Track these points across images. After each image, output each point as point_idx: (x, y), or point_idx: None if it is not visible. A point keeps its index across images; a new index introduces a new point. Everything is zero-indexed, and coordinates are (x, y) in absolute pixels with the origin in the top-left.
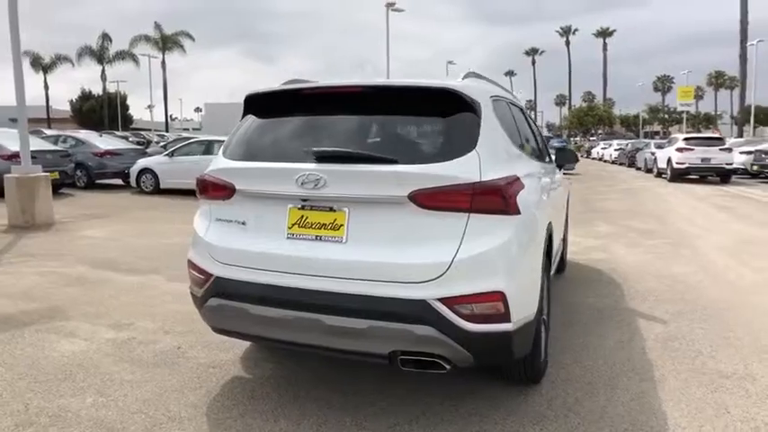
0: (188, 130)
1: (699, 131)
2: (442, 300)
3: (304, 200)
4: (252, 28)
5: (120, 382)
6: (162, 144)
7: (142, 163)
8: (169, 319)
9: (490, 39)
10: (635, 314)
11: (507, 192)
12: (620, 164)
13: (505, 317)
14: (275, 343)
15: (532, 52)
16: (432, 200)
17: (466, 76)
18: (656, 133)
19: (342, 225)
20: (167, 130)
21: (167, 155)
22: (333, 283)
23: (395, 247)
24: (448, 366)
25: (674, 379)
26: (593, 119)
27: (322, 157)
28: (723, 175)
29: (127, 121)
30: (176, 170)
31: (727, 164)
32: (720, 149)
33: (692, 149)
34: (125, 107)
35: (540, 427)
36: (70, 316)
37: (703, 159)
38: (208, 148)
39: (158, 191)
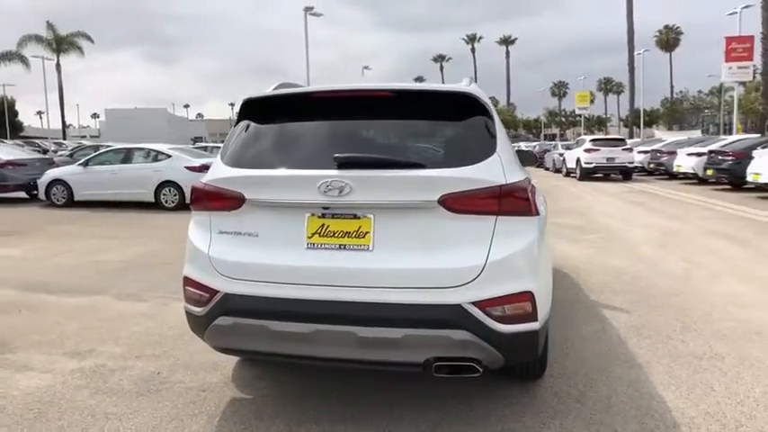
0: (86, 137)
1: (592, 133)
2: (475, 303)
3: (325, 208)
4: (153, 30)
5: (104, 417)
6: (68, 153)
7: (52, 174)
8: (135, 341)
9: (399, 45)
10: (598, 305)
11: (529, 193)
12: None
13: (533, 316)
14: (296, 360)
15: (440, 59)
16: (461, 204)
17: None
18: (555, 136)
19: (367, 232)
20: (65, 138)
21: (81, 164)
22: (362, 292)
23: (425, 253)
24: (480, 369)
25: (657, 364)
26: None
27: (344, 164)
28: (626, 173)
29: (16, 129)
30: (92, 181)
31: (629, 163)
32: (623, 149)
33: (599, 150)
34: (13, 113)
35: (558, 422)
36: (16, 347)
37: (608, 159)
38: (127, 156)
39: (72, 203)
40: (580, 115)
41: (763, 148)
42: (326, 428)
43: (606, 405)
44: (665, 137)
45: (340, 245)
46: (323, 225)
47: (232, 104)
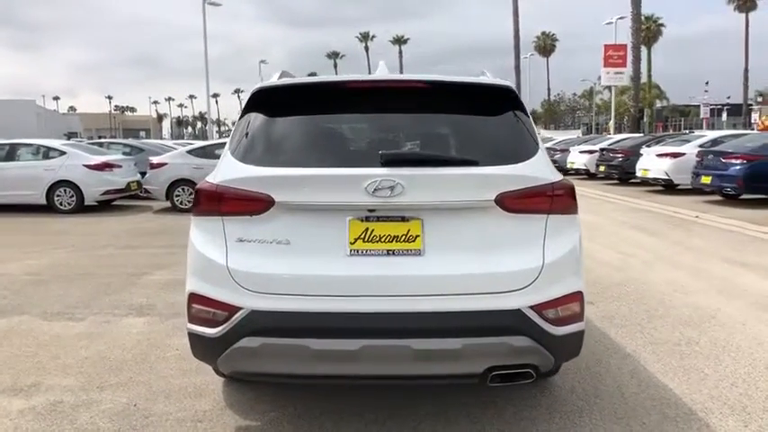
0: None
1: None
2: (533, 307)
3: (371, 210)
4: (14, 12)
5: None
6: None
7: None
8: (88, 369)
9: (291, 40)
10: None
11: (574, 191)
12: None
13: (581, 316)
14: (338, 380)
15: (334, 55)
16: (517, 203)
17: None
18: None
19: (418, 236)
20: None
21: None
22: (415, 301)
23: (480, 256)
24: (535, 375)
25: (644, 352)
26: None
27: (392, 161)
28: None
29: None
30: None
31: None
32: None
33: None
34: None
35: (587, 418)
36: None
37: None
38: (10, 153)
39: None
40: None
41: (648, 146)
42: None
43: (621, 397)
44: (555, 136)
45: (388, 250)
46: (367, 229)
47: (109, 97)
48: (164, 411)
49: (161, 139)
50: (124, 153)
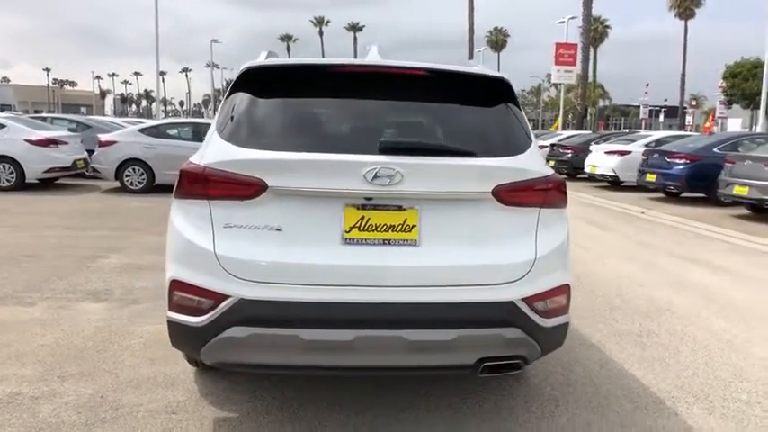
0: None
1: None
2: (525, 299)
3: (368, 198)
4: None
5: None
6: None
7: None
8: (45, 357)
9: (243, 20)
10: None
11: (565, 185)
12: None
13: (567, 308)
14: (328, 371)
15: (287, 38)
16: (513, 195)
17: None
18: None
19: (414, 226)
20: None
21: None
22: (409, 292)
23: (474, 248)
24: (523, 366)
25: (609, 343)
26: None
27: (391, 149)
28: None
29: None
30: None
31: None
32: None
33: None
34: None
35: (564, 407)
36: None
37: None
38: None
39: None
40: None
41: (597, 143)
42: None
43: (593, 386)
44: None
45: (384, 240)
46: (363, 217)
47: (47, 70)
48: (134, 402)
49: (104, 115)
50: (69, 129)
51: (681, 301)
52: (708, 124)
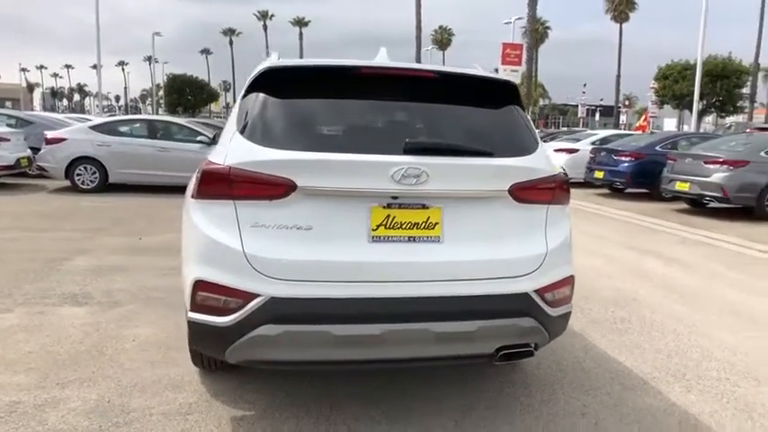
0: None
1: None
2: (537, 290)
3: (394, 197)
4: None
5: None
6: None
7: None
8: (38, 364)
9: (183, 13)
10: None
11: (569, 183)
12: None
13: (570, 298)
14: (353, 365)
15: (230, 32)
16: (526, 193)
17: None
18: None
19: (437, 223)
20: None
21: None
22: (434, 286)
23: (493, 243)
24: (534, 353)
25: (589, 330)
26: None
27: (416, 149)
28: None
29: None
30: None
31: None
32: None
33: None
34: None
35: (561, 392)
36: None
37: None
38: None
39: None
40: None
41: (545, 141)
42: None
43: (583, 371)
44: None
45: (409, 237)
46: (388, 216)
47: None
48: (144, 406)
49: (32, 110)
50: (8, 125)
51: (644, 291)
52: (643, 123)
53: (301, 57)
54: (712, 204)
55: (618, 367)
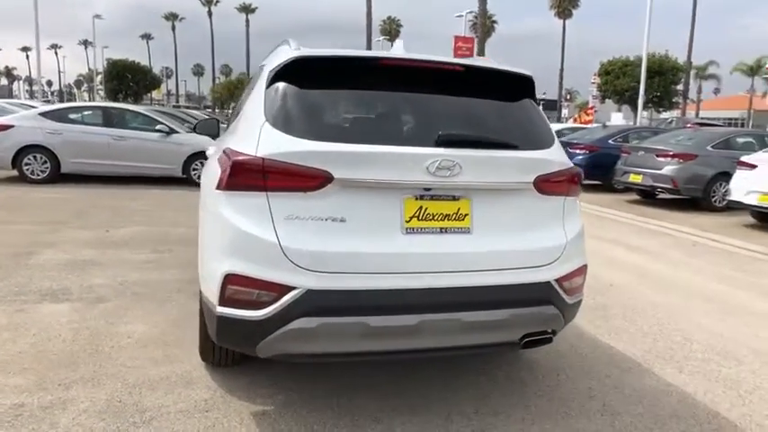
0: None
1: None
2: (557, 280)
3: (427, 189)
4: None
5: None
6: None
7: None
8: (32, 365)
9: None
10: None
11: (582, 176)
12: None
13: (582, 286)
14: (387, 356)
15: (172, 17)
16: (548, 185)
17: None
18: None
19: (467, 214)
20: None
21: None
22: (464, 277)
23: (518, 234)
24: (552, 339)
25: (578, 317)
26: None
27: (449, 142)
28: None
29: None
30: None
31: None
32: None
33: None
34: None
35: (565, 375)
36: None
37: None
38: None
39: None
40: None
41: None
42: (388, 422)
43: (580, 356)
44: None
45: (441, 228)
46: (421, 207)
47: None
48: (158, 404)
49: None
50: None
51: (619, 279)
52: (589, 117)
53: (247, 46)
54: (662, 195)
55: (611, 351)
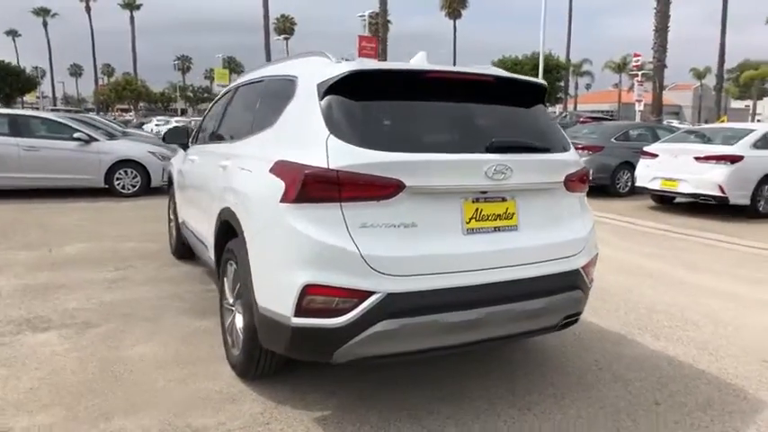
0: None
1: None
2: (583, 267)
3: (482, 192)
4: None
5: None
6: None
7: None
8: (52, 399)
9: None
10: None
11: (589, 174)
12: None
13: (593, 271)
14: (452, 349)
15: (43, 13)
16: (573, 184)
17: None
18: (185, 111)
19: (514, 213)
20: None
21: None
22: (516, 270)
23: (553, 228)
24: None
25: None
26: (132, 93)
27: (501, 148)
28: None
29: None
30: None
31: None
32: None
33: None
34: None
35: (569, 349)
36: None
37: None
38: None
39: None
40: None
41: None
42: (451, 414)
43: (576, 336)
44: None
45: (494, 227)
46: (477, 209)
47: None
48: (214, 424)
49: None
50: None
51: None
52: None
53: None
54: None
55: (596, 328)
